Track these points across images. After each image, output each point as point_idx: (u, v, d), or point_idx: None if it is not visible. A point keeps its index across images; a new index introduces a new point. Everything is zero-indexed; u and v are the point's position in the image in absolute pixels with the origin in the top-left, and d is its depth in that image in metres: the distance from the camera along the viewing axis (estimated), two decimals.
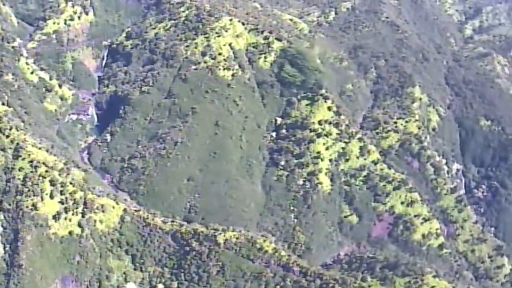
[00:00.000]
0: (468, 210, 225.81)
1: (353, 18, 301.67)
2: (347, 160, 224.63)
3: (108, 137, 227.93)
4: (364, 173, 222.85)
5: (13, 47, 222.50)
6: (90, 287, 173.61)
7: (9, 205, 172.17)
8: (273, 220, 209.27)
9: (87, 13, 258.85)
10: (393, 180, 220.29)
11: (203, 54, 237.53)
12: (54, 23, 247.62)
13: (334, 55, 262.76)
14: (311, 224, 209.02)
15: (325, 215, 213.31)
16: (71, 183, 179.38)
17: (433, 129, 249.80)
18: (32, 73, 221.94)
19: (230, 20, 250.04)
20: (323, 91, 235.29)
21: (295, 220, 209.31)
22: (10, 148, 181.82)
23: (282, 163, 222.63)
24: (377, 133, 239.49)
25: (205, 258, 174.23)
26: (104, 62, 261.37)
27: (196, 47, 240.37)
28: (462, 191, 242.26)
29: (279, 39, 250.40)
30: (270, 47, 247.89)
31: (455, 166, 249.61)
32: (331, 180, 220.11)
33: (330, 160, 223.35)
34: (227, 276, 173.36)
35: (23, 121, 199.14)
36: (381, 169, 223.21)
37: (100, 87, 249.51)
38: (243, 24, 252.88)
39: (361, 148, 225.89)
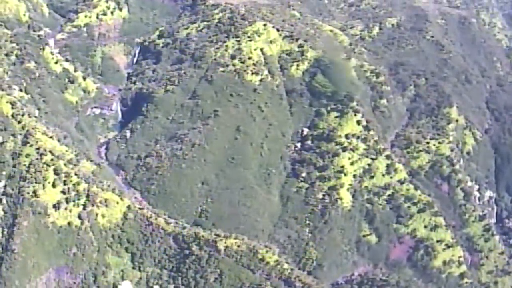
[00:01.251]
0: (495, 240, 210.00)
1: (397, 35, 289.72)
2: (372, 177, 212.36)
3: (128, 133, 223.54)
4: (389, 192, 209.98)
5: (39, 35, 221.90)
6: (85, 281, 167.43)
7: (12, 190, 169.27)
8: (287, 232, 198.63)
9: (120, 9, 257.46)
10: (419, 202, 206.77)
11: (233, 57, 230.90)
12: (85, 16, 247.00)
13: (371, 69, 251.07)
14: (326, 240, 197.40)
15: (342, 232, 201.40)
16: (76, 174, 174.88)
17: (468, 153, 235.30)
18: (56, 63, 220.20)
19: (264, 25, 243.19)
20: (354, 103, 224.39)
21: (309, 235, 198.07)
22: (20, 134, 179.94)
23: (303, 175, 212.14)
24: (408, 152, 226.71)
25: (204, 264, 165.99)
26: (135, 59, 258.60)
27: (226, 50, 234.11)
28: (493, 220, 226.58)
29: (313, 48, 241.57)
30: (303, 55, 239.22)
31: (488, 193, 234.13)
32: (353, 196, 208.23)
33: (354, 176, 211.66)
34: (225, 285, 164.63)
35: (38, 109, 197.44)
36: (407, 190, 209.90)
37: (127, 83, 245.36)
38: (277, 30, 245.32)
39: (388, 165, 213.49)
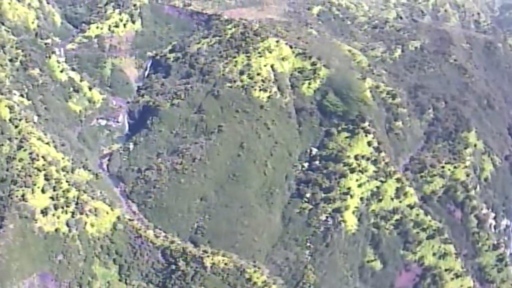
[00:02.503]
0: (509, 270, 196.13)
1: (419, 58, 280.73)
2: (380, 201, 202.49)
3: (131, 146, 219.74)
4: (397, 216, 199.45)
5: (45, 44, 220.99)
6: None
7: (3, 192, 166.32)
8: (285, 254, 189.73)
9: (133, 22, 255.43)
10: (428, 228, 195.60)
11: (241, 73, 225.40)
12: (97, 27, 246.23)
13: (387, 90, 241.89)
14: (326, 264, 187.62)
15: (344, 257, 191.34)
16: (67, 181, 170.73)
17: (485, 179, 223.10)
18: (61, 71, 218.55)
19: (277, 41, 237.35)
20: (365, 124, 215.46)
21: (309, 258, 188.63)
22: (16, 138, 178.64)
23: (308, 195, 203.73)
24: (421, 176, 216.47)
25: (189, 280, 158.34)
26: (146, 73, 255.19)
27: (235, 65, 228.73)
28: (509, 250, 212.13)
29: (327, 66, 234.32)
30: (316, 74, 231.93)
31: (505, 221, 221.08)
32: (359, 220, 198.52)
33: (361, 199, 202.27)
34: None
35: (38, 115, 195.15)
36: (417, 215, 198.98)
37: (135, 96, 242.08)
38: (290, 47, 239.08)
39: (397, 189, 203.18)
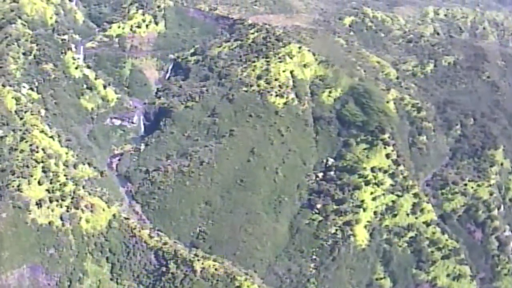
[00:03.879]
0: None
1: (452, 73, 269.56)
2: (394, 216, 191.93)
3: (143, 147, 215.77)
4: (412, 233, 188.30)
5: (62, 39, 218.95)
6: (60, 284, 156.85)
7: (2, 182, 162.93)
8: (288, 265, 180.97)
9: (157, 23, 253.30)
10: (444, 248, 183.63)
11: (259, 77, 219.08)
12: (118, 27, 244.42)
13: (412, 103, 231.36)
14: (331, 279, 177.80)
15: (351, 273, 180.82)
16: (65, 175, 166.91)
17: (510, 200, 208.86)
18: (76, 68, 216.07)
19: (299, 48, 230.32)
20: (385, 136, 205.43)
21: (313, 271, 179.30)
22: (20, 130, 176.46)
23: (319, 206, 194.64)
24: (442, 193, 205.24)
25: (178, 284, 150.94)
26: (167, 75, 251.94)
27: (253, 70, 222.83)
28: None
29: (349, 75, 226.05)
30: (338, 82, 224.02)
31: None
32: (371, 234, 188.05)
33: (375, 213, 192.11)
34: None
35: (46, 109, 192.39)
36: (433, 233, 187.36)
37: (152, 98, 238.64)
38: (313, 54, 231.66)
39: (414, 204, 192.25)
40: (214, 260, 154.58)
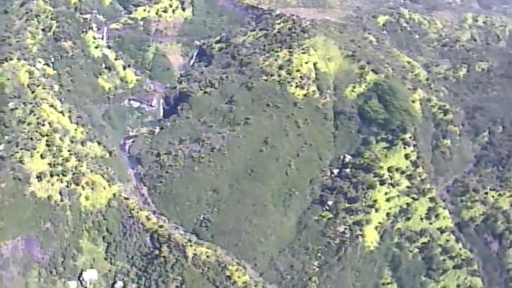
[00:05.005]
0: None
1: (484, 79, 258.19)
2: (408, 219, 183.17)
3: (157, 130, 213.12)
4: (424, 239, 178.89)
5: (84, 19, 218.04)
6: (53, 259, 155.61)
7: (6, 153, 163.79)
8: (291, 261, 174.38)
9: (184, 9, 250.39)
10: (456, 257, 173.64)
11: (280, 67, 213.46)
12: (144, 10, 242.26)
13: (439, 104, 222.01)
14: (334, 279, 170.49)
15: (357, 275, 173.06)
16: (68, 151, 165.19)
17: None
18: (96, 47, 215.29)
19: (325, 40, 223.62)
20: (406, 136, 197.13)
21: (316, 269, 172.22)
22: (31, 103, 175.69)
23: (330, 203, 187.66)
24: (462, 200, 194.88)
25: (169, 268, 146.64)
26: (192, 61, 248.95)
27: (276, 60, 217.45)
28: None
29: (375, 72, 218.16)
30: (362, 78, 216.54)
31: None
32: (381, 237, 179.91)
33: (388, 214, 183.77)
34: None
35: (61, 85, 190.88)
36: (447, 240, 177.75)
37: (173, 82, 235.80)
38: (339, 48, 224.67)
39: (429, 209, 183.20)
40: (208, 248, 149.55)
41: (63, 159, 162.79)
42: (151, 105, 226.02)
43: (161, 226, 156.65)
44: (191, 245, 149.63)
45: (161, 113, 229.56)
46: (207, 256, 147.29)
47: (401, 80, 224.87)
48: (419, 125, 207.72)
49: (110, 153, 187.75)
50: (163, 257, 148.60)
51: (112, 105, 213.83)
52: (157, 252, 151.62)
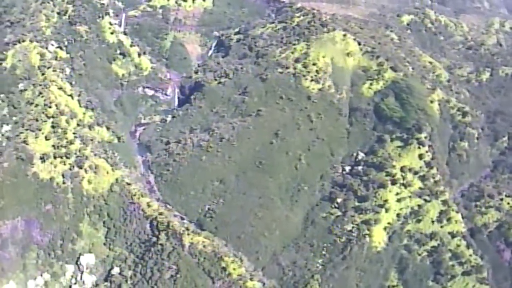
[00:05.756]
0: None
1: (507, 84, 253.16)
2: (418, 221, 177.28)
3: (169, 118, 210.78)
4: (434, 243, 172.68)
5: (101, 4, 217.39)
6: (52, 242, 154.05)
7: (12, 134, 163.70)
8: (294, 258, 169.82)
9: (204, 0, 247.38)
10: (466, 263, 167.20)
11: (296, 60, 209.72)
12: None
13: (458, 106, 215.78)
14: (337, 278, 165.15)
15: (361, 276, 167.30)
16: (73, 133, 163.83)
17: None
18: (112, 33, 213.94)
19: (344, 35, 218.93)
20: (421, 135, 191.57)
21: (319, 267, 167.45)
22: (40, 85, 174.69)
23: (339, 200, 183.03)
24: (476, 205, 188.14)
25: (165, 257, 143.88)
26: (210, 52, 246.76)
27: (292, 52, 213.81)
28: None
29: (394, 69, 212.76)
30: (380, 75, 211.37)
31: None
32: (389, 238, 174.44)
33: (398, 215, 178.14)
34: (178, 286, 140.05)
35: (73, 69, 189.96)
36: (457, 245, 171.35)
37: (189, 72, 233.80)
38: (359, 44, 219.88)
39: (441, 212, 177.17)
40: (205, 237, 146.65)
41: (67, 142, 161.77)
42: (166, 94, 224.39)
43: (161, 213, 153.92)
44: (188, 234, 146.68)
45: (176, 103, 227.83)
46: (204, 246, 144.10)
47: (420, 79, 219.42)
48: (436, 125, 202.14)
49: (119, 138, 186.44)
50: (160, 244, 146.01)
51: (125, 91, 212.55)
52: (155, 239, 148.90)
